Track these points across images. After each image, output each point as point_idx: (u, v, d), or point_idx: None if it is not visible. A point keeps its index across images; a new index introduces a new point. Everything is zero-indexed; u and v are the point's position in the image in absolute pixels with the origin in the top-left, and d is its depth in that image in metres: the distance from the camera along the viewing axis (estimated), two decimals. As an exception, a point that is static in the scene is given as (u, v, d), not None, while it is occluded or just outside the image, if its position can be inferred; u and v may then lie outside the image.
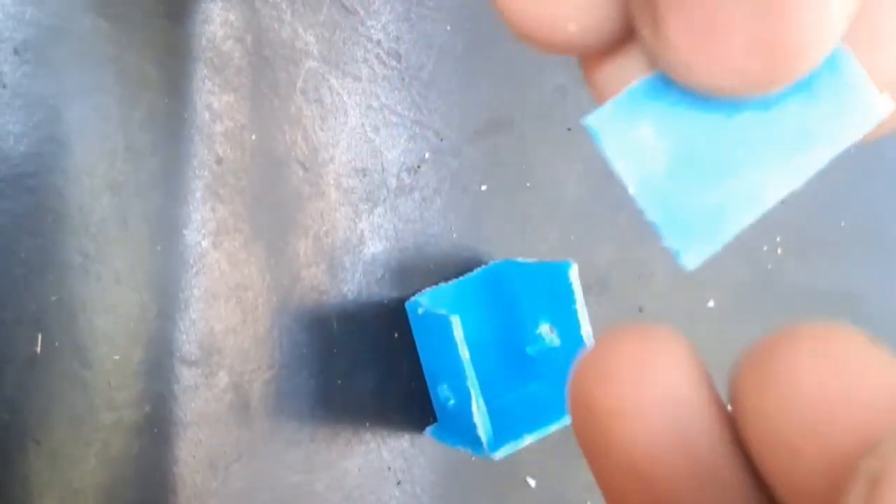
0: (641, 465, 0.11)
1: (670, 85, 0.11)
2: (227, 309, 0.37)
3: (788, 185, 0.12)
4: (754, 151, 0.12)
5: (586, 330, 0.39)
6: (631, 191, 0.12)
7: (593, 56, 0.12)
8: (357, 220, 0.40)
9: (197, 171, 0.36)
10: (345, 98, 0.40)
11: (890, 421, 0.10)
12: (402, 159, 0.41)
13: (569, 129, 0.46)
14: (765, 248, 0.52)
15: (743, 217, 0.11)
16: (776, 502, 0.11)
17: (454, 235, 0.43)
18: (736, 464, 0.11)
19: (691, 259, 0.12)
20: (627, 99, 0.12)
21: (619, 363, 0.12)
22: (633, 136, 0.12)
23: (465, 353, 0.36)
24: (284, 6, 0.38)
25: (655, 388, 0.11)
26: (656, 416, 0.11)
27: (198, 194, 0.36)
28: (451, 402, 0.39)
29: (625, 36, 0.12)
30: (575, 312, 0.39)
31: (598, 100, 0.13)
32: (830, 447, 0.10)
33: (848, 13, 0.10)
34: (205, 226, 0.36)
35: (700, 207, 0.12)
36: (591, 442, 0.12)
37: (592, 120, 0.12)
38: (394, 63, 0.41)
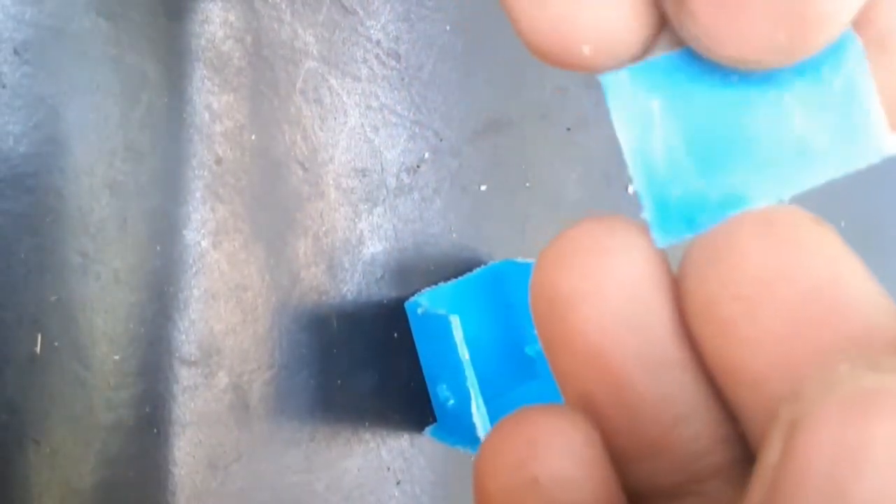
0: (596, 347, 0.11)
1: (690, 64, 0.12)
2: (226, 309, 0.37)
3: (775, 193, 0.12)
4: (751, 151, 0.12)
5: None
6: (626, 156, 0.12)
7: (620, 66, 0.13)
8: (356, 220, 0.40)
9: (196, 172, 0.36)
10: (344, 98, 0.40)
11: (827, 303, 0.10)
12: (401, 159, 0.41)
13: (568, 129, 0.46)
14: (764, 248, 0.52)
15: (722, 212, 0.12)
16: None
17: (454, 235, 0.43)
18: (689, 347, 0.12)
19: (663, 238, 0.12)
20: (645, 69, 0.12)
21: (576, 250, 0.12)
22: (640, 106, 0.12)
23: (464, 353, 0.36)
24: (284, 6, 0.38)
25: (612, 273, 0.12)
26: (613, 299, 0.11)
27: (197, 194, 0.36)
28: (451, 402, 0.39)
29: (643, 53, 0.12)
30: (574, 312, 0.39)
31: None
32: (765, 325, 0.10)
33: None
34: (204, 226, 0.36)
35: (686, 191, 0.12)
36: (550, 330, 0.12)
37: (608, 79, 0.12)
38: (393, 63, 0.41)
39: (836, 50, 0.11)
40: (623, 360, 0.11)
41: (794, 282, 0.10)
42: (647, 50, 0.12)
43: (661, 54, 0.12)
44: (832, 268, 0.11)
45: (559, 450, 0.11)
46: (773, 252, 0.11)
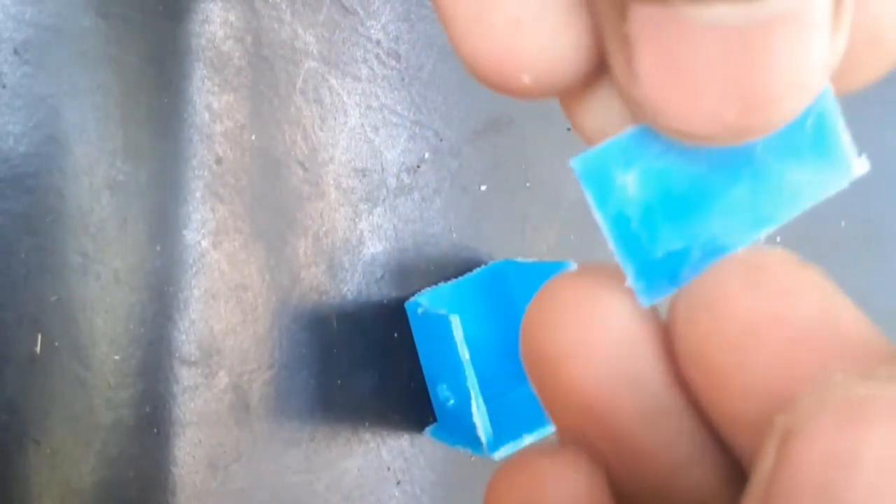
0: (591, 402, 0.11)
1: (656, 135, 0.12)
2: (226, 309, 0.37)
3: (753, 234, 0.12)
4: (725, 200, 0.12)
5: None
6: (603, 229, 0.12)
7: (567, 95, 0.12)
8: (357, 220, 0.40)
9: (196, 172, 0.36)
10: (344, 98, 0.40)
11: (818, 342, 0.10)
12: (401, 159, 0.41)
13: (568, 129, 0.46)
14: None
15: (704, 263, 0.12)
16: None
17: (454, 235, 0.43)
18: (684, 394, 0.12)
19: (648, 298, 0.12)
20: (613, 147, 0.12)
21: (562, 307, 0.12)
22: (613, 183, 0.12)
23: (464, 353, 0.36)
24: (284, 6, 0.38)
25: (600, 326, 0.12)
26: (603, 353, 0.11)
27: (197, 194, 0.36)
28: (451, 402, 0.39)
29: (588, 81, 0.12)
30: (575, 312, 0.39)
31: (578, 133, 0.13)
32: (758, 370, 0.10)
33: (829, 64, 0.10)
34: (204, 226, 0.36)
35: (667, 252, 0.12)
36: (543, 384, 0.12)
37: (578, 163, 0.12)
38: (393, 63, 0.41)
39: None
40: (619, 412, 0.11)
41: (783, 326, 0.10)
42: (588, 83, 0.12)
43: (626, 129, 0.12)
44: (821, 308, 0.10)
45: (564, 492, 0.11)
46: (761, 298, 0.10)
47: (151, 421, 0.36)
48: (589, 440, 0.12)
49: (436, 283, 0.42)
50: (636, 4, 0.10)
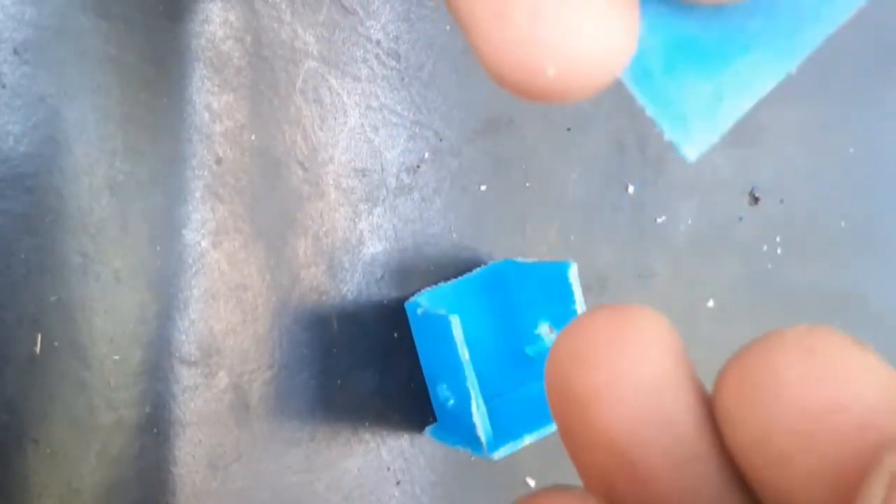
0: (621, 444, 0.11)
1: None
2: (226, 309, 0.37)
3: (781, 68, 0.12)
4: (745, 38, 0.12)
5: (586, 330, 0.39)
6: (629, 86, 0.12)
7: (591, 92, 0.12)
8: (356, 220, 0.40)
9: (196, 171, 0.36)
10: (344, 98, 0.40)
11: (881, 424, 0.10)
12: (401, 159, 0.41)
13: (568, 129, 0.46)
14: (765, 248, 0.52)
15: (739, 104, 0.12)
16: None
17: (454, 235, 0.43)
18: (713, 440, 0.11)
19: (693, 149, 0.12)
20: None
21: (594, 345, 0.12)
22: (642, 49, 0.12)
23: (464, 353, 0.36)
24: (284, 6, 0.38)
25: (632, 369, 0.11)
26: (633, 394, 0.11)
27: (197, 194, 0.36)
28: (451, 402, 0.39)
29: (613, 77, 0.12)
30: (575, 313, 0.39)
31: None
32: (823, 455, 0.10)
33: None
34: (204, 226, 0.36)
35: (697, 97, 0.12)
36: (569, 423, 0.12)
37: None
38: (393, 63, 0.41)
39: None
40: (646, 456, 0.11)
41: (848, 412, 0.10)
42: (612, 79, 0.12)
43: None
44: (885, 388, 0.10)
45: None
46: (821, 382, 0.10)
47: (151, 421, 0.36)
48: (611, 481, 0.12)
49: (436, 283, 0.42)
50: None
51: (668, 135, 0.12)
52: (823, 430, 0.10)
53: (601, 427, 0.11)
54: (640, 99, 0.12)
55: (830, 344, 0.11)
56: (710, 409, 0.12)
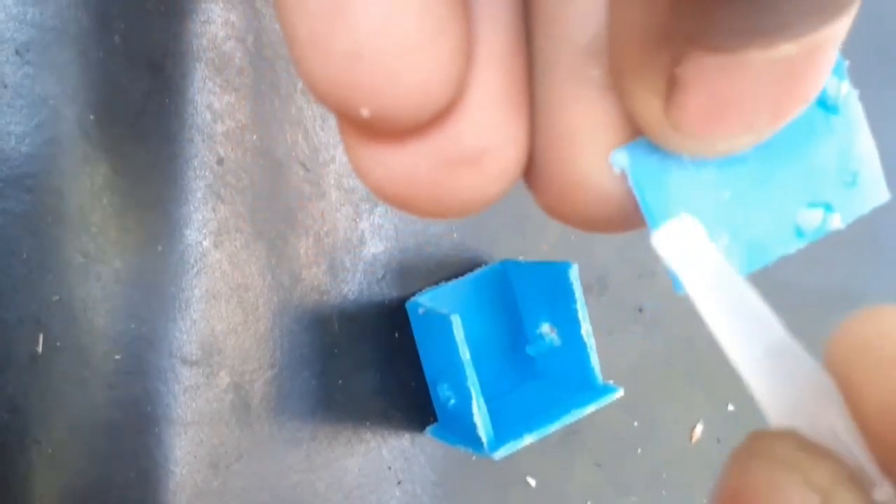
0: None
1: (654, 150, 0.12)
2: (228, 309, 0.37)
3: (790, 242, 0.12)
4: (752, 196, 0.12)
5: (586, 330, 0.39)
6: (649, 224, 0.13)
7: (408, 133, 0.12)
8: (358, 220, 0.40)
9: (198, 172, 0.36)
10: (345, 98, 0.40)
11: None
12: (402, 159, 0.41)
13: (569, 130, 0.46)
14: (765, 249, 0.52)
15: (749, 263, 0.12)
16: None
17: (454, 235, 0.43)
18: None
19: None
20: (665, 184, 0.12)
21: (754, 491, 0.11)
22: (658, 176, 0.12)
23: (465, 352, 0.36)
24: (285, 6, 0.38)
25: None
26: None
27: (199, 194, 0.36)
28: (452, 401, 0.39)
29: (433, 120, 0.11)
30: (575, 312, 0.39)
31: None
32: None
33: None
34: (206, 226, 0.36)
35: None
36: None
37: (620, 155, 0.12)
38: (394, 63, 0.41)
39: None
40: None
41: None
42: (433, 122, 0.11)
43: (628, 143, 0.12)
44: None
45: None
46: None
47: (152, 421, 0.36)
48: None
49: (436, 283, 0.42)
50: (698, 53, 0.10)
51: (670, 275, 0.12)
52: None
53: None
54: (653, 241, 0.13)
55: None
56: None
